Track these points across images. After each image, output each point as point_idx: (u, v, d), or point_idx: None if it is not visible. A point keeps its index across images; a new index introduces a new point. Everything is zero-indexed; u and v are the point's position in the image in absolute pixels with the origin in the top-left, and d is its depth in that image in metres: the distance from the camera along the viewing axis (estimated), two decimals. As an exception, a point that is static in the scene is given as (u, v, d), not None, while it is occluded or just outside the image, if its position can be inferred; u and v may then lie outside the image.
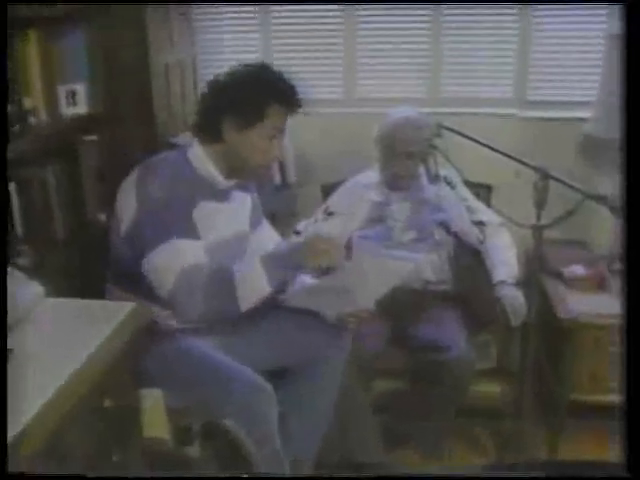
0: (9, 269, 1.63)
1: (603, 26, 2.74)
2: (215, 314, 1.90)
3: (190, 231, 1.89)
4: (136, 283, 1.90)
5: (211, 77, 1.99)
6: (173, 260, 1.83)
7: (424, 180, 2.37)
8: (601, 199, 1.83)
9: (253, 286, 1.87)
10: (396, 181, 2.55)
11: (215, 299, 1.86)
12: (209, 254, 1.93)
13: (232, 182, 2.02)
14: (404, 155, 2.46)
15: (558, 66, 2.94)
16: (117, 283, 1.98)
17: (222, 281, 1.87)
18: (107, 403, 1.52)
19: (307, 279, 2.08)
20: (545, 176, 1.89)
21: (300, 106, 1.95)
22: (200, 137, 1.97)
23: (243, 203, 2.12)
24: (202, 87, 2.01)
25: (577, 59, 2.91)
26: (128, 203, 1.89)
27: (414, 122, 2.45)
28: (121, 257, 1.94)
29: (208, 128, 1.94)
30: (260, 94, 1.89)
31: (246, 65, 1.95)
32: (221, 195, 2.01)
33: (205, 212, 1.93)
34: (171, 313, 1.94)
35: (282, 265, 1.91)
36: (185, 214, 1.89)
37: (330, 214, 2.59)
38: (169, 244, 1.83)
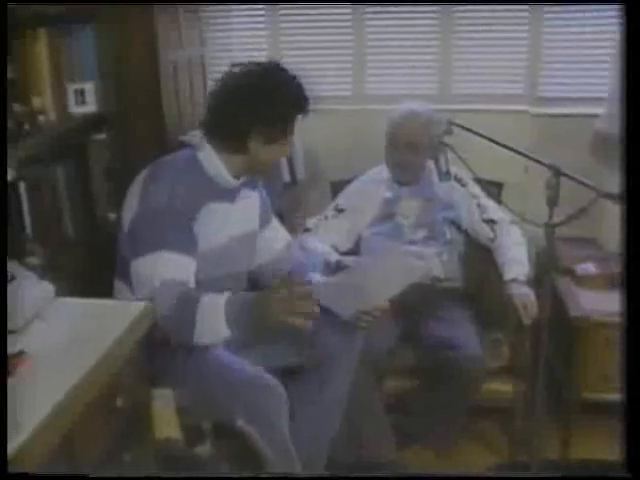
0: (20, 269, 1.64)
1: (615, 21, 2.72)
2: (171, 334, 1.83)
3: (185, 243, 1.85)
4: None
5: (231, 81, 1.92)
6: (156, 272, 1.80)
7: (434, 177, 2.35)
8: (614, 197, 1.80)
9: (211, 326, 1.79)
10: (398, 173, 2.54)
11: (173, 321, 1.79)
12: (215, 256, 1.94)
13: (240, 181, 2.02)
14: (404, 146, 2.45)
15: (570, 62, 2.92)
16: (123, 279, 1.98)
17: (185, 307, 1.79)
18: (119, 403, 1.52)
19: (319, 277, 2.06)
20: (557, 173, 1.87)
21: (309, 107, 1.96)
22: (219, 145, 1.94)
23: (252, 202, 2.12)
24: (227, 95, 1.92)
25: (589, 55, 2.90)
26: (131, 203, 1.90)
27: (420, 115, 2.45)
28: (124, 253, 1.94)
29: (233, 140, 1.92)
30: (288, 112, 1.90)
31: (268, 74, 1.90)
32: (230, 195, 2.00)
33: (212, 214, 1.93)
34: None
35: (244, 316, 1.78)
36: (184, 224, 1.87)
37: (340, 211, 2.58)
38: (156, 255, 1.81)
